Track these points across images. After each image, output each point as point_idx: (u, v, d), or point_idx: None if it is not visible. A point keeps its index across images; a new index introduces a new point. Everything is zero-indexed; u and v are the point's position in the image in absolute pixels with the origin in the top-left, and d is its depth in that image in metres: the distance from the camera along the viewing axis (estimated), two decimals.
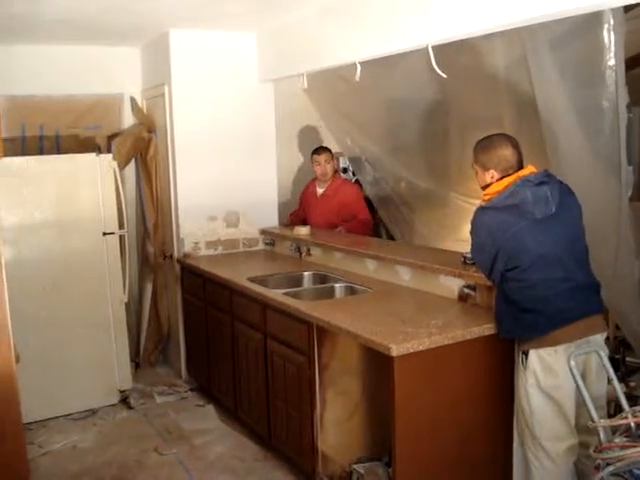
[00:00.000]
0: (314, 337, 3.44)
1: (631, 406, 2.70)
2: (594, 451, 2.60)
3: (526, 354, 2.93)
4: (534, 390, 2.92)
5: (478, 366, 3.14)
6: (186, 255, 5.20)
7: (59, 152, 5.38)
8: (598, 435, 2.64)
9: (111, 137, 5.47)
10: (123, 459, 4.11)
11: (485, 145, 3.07)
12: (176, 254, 5.27)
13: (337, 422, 3.55)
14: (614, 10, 3.32)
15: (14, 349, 2.37)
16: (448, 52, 3.66)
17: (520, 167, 3.00)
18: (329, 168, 5.32)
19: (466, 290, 3.48)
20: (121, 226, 4.91)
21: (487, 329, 3.09)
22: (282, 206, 5.68)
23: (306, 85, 4.69)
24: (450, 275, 3.56)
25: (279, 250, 5.30)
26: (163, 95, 5.19)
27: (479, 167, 3.09)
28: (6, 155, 3.75)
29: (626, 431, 2.57)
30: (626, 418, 2.58)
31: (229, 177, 5.26)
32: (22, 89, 5.13)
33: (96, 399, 4.88)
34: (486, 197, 3.03)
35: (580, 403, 2.88)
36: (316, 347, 3.44)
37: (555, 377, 2.88)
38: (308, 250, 4.86)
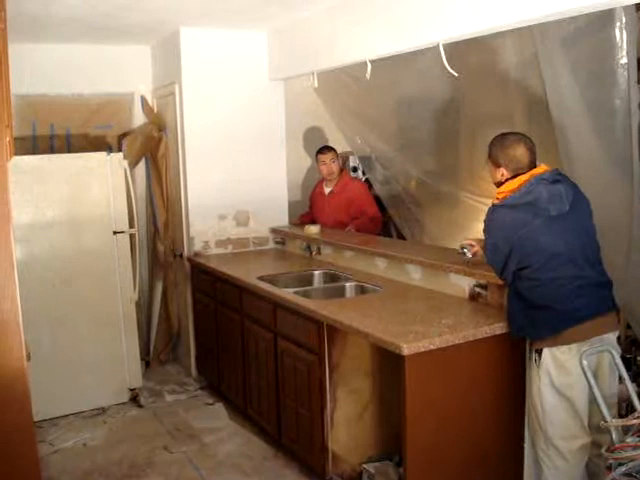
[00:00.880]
0: (324, 336, 3.44)
1: None
2: (606, 451, 2.60)
3: (540, 353, 2.92)
4: (547, 389, 2.91)
5: (489, 365, 3.14)
6: (196, 254, 5.21)
7: (69, 151, 5.40)
8: (610, 434, 2.63)
9: (121, 136, 5.51)
10: (133, 457, 4.12)
11: (499, 142, 3.06)
12: (186, 253, 5.27)
13: (347, 421, 3.55)
14: (626, 8, 3.32)
15: (25, 347, 2.37)
16: (459, 50, 3.65)
17: (532, 168, 2.98)
18: (335, 167, 5.31)
19: (477, 289, 3.47)
20: (131, 225, 4.92)
21: (498, 328, 3.08)
22: (292, 205, 5.68)
23: (317, 84, 4.68)
24: (461, 274, 3.55)
25: (289, 249, 5.30)
26: (173, 94, 5.20)
27: (491, 162, 3.09)
28: (17, 154, 3.75)
29: (638, 431, 2.56)
30: (638, 418, 2.57)
31: (239, 176, 5.26)
32: (33, 88, 5.14)
33: (106, 397, 4.89)
34: (500, 195, 3.01)
35: (592, 402, 2.87)
36: (326, 346, 3.44)
37: (568, 375, 2.87)
38: (318, 249, 4.85)
